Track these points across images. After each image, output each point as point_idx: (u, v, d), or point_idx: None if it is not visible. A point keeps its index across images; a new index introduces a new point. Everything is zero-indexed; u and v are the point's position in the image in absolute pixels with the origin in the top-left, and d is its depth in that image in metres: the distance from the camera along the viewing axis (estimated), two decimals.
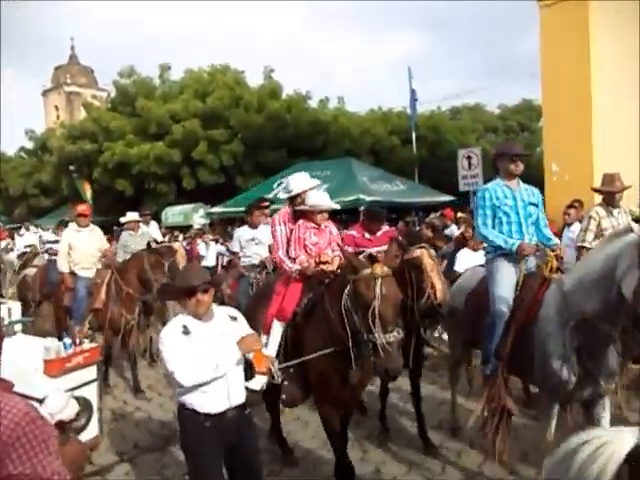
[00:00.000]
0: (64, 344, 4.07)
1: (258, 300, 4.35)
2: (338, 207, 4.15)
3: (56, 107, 55.34)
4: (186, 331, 2.63)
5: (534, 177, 11.64)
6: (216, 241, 12.49)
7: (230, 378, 2.64)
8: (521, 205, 3.68)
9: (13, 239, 13.83)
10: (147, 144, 20.68)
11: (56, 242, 8.86)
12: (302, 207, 3.90)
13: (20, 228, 12.80)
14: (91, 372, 4.16)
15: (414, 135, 19.56)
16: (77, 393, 3.89)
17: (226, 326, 2.76)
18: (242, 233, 6.36)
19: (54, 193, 25.96)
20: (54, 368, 3.86)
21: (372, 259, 3.15)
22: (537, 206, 3.79)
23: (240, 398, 2.72)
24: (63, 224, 9.74)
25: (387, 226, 5.56)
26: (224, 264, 10.95)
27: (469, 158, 10.67)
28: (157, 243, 7.22)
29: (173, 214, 19.53)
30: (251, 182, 19.50)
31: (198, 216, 17.63)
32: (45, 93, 57.49)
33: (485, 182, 12.63)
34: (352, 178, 14.25)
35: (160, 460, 4.34)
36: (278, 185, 15.61)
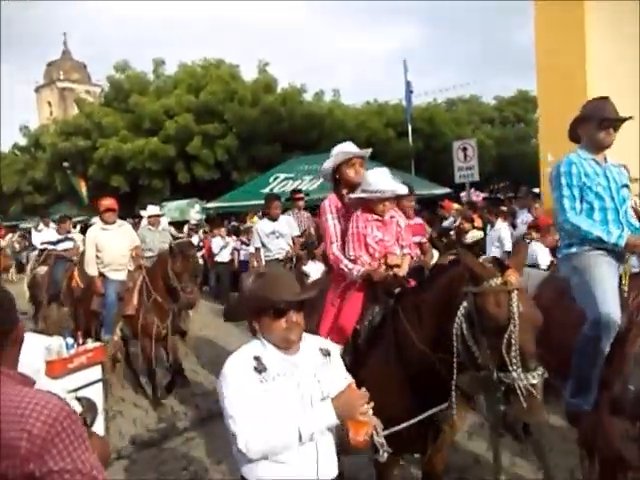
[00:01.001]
0: (66, 344, 4.00)
1: None
2: (405, 191, 3.20)
3: (49, 103, 55.03)
4: (260, 367, 1.83)
5: (530, 167, 11.71)
6: (229, 234, 11.85)
7: (320, 445, 1.87)
8: (614, 187, 2.88)
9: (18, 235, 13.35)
10: (141, 140, 20.58)
11: (57, 242, 8.33)
12: (359, 195, 2.91)
13: (39, 223, 11.63)
14: (96, 372, 4.09)
15: (410, 128, 19.51)
16: (81, 394, 3.86)
17: (317, 365, 1.95)
18: (262, 226, 6.01)
19: (48, 190, 25.83)
20: (56, 369, 3.77)
21: (498, 264, 2.21)
22: (629, 188, 3.01)
23: (332, 472, 1.95)
24: (65, 220, 9.06)
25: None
26: (240, 260, 10.45)
27: (464, 150, 10.64)
28: (174, 239, 6.84)
29: (169, 210, 19.43)
30: (246, 176, 19.43)
31: (194, 211, 17.56)
32: (38, 89, 57.14)
33: (480, 175, 12.71)
34: None
35: (158, 456, 4.32)
36: (274, 179, 15.57)
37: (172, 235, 7.18)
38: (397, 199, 3.30)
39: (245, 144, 20.42)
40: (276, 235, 5.84)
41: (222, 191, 17.63)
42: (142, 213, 7.27)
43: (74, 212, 20.96)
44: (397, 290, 2.74)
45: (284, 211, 7.58)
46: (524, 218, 7.88)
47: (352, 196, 2.98)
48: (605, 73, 8.49)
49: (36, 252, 10.18)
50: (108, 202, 5.95)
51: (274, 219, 6.00)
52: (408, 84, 19.67)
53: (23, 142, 29.10)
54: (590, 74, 8.58)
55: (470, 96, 29.86)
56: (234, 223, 14.95)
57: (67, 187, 23.05)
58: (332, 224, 3.04)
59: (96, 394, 4.05)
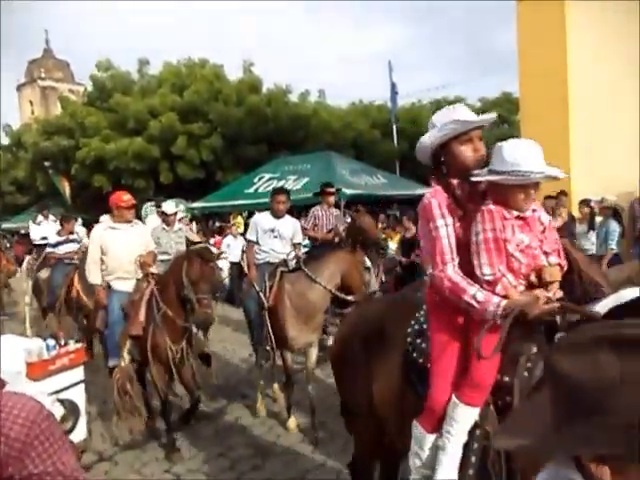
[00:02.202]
0: (47, 346, 3.97)
1: (381, 347, 2.39)
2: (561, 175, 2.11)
3: (31, 102, 54.26)
4: None
5: None
6: (213, 235, 11.32)
7: None
8: None
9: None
10: (125, 140, 20.39)
11: (57, 245, 7.50)
12: (494, 177, 1.97)
13: (37, 216, 10.61)
14: (77, 374, 4.07)
15: (395, 128, 19.59)
16: (63, 396, 3.82)
17: None
18: (261, 220, 5.18)
19: (29, 190, 25.47)
20: (37, 371, 3.76)
21: None
22: None
23: None
24: (69, 220, 8.04)
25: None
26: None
27: None
28: (192, 243, 6.00)
29: (152, 210, 19.29)
30: (231, 177, 19.36)
31: (180, 209, 17.48)
32: (19, 87, 56.33)
33: None
34: (332, 171, 14.22)
35: (140, 458, 4.29)
36: (259, 179, 15.53)
37: (188, 240, 6.20)
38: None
39: (230, 144, 20.34)
40: (275, 234, 5.05)
41: (207, 191, 17.55)
42: (162, 209, 6.40)
43: (56, 212, 20.71)
44: (560, 323, 1.85)
45: (309, 207, 7.08)
46: None
47: (480, 178, 2.04)
48: (586, 75, 8.62)
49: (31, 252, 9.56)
50: (128, 197, 4.75)
51: (277, 216, 5.14)
52: (393, 85, 19.76)
53: (5, 141, 28.69)
54: (571, 76, 8.70)
55: (455, 97, 30.07)
56: (218, 224, 14.87)
57: (49, 187, 22.74)
58: (445, 233, 2.01)
59: (78, 396, 4.01)
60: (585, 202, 7.64)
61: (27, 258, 9.39)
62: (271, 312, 4.65)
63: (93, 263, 4.75)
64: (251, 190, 15.29)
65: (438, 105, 29.05)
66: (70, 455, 1.19)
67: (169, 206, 6.53)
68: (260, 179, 15.49)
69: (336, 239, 6.08)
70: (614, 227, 6.90)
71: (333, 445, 4.29)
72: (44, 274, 7.57)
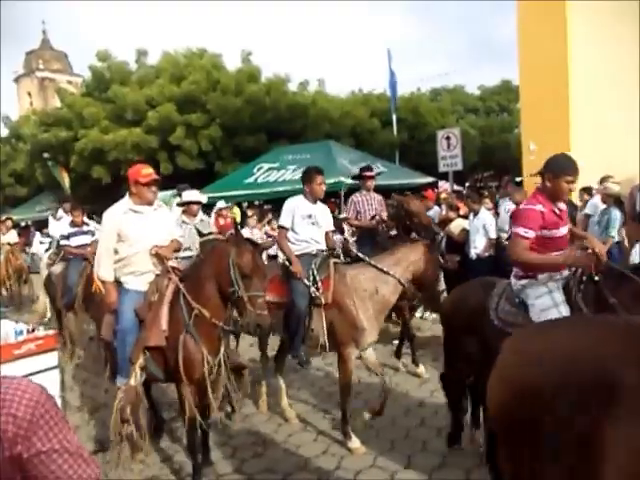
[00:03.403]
0: (15, 330, 4.04)
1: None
2: None
3: (29, 93, 54.03)
4: None
5: (514, 156, 11.80)
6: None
7: None
8: None
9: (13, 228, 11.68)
10: (123, 130, 20.30)
11: (69, 236, 6.91)
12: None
13: (57, 209, 10.00)
14: (51, 359, 4.12)
15: (394, 117, 19.50)
16: (35, 380, 3.83)
17: None
18: (298, 205, 4.51)
19: (29, 182, 25.42)
20: (1, 354, 3.81)
21: None
22: None
23: None
24: (77, 208, 7.27)
25: None
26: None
27: (448, 139, 10.67)
28: (202, 235, 5.54)
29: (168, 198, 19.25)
30: (230, 167, 19.31)
31: (177, 202, 17.47)
32: (17, 79, 56.05)
33: (464, 164, 12.75)
34: (332, 161, 14.19)
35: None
36: (258, 169, 15.49)
37: (198, 231, 5.52)
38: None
39: (229, 134, 20.26)
40: (312, 221, 4.48)
41: (206, 181, 17.52)
42: (182, 198, 5.61)
43: (56, 204, 20.69)
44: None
45: (349, 194, 6.43)
46: (506, 206, 7.93)
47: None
48: (586, 62, 8.56)
49: (51, 247, 8.87)
50: (148, 170, 3.86)
51: (315, 200, 4.54)
52: (392, 74, 19.63)
53: (4, 133, 28.59)
54: (571, 64, 8.65)
55: (454, 86, 29.97)
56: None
57: (48, 179, 22.69)
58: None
59: (52, 381, 4.04)
60: (586, 190, 7.62)
61: (46, 254, 8.92)
62: (328, 308, 4.14)
63: (105, 253, 3.80)
64: (250, 180, 15.26)
65: (437, 94, 29.00)
66: (73, 433, 1.24)
67: (188, 194, 5.63)
68: (259, 169, 15.46)
69: (380, 226, 5.73)
70: (616, 215, 6.88)
71: (334, 433, 4.32)
72: (57, 269, 7.01)
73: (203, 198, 5.94)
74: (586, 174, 8.06)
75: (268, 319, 3.48)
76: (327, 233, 4.67)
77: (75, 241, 6.88)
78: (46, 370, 4.05)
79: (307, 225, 4.46)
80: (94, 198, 18.54)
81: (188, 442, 3.71)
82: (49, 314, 8.55)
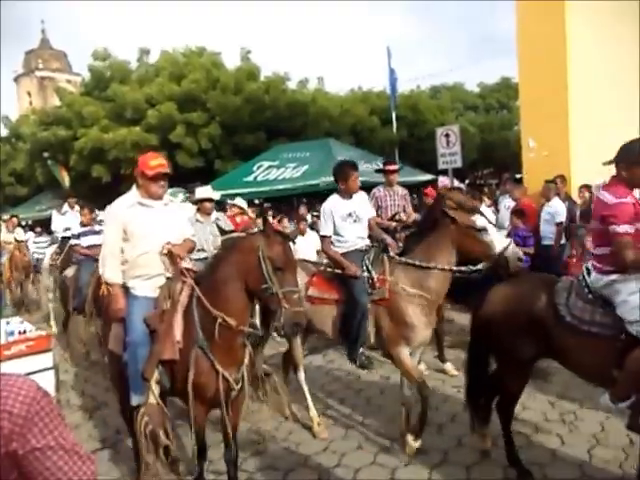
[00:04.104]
0: (5, 332, 4.02)
1: None
2: None
3: (28, 93, 54.03)
4: None
5: (513, 154, 11.80)
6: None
7: None
8: None
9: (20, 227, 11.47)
10: (123, 129, 20.30)
11: (79, 236, 6.70)
12: None
13: (62, 204, 9.64)
14: (46, 360, 4.10)
15: (394, 115, 19.48)
16: None
17: None
18: (335, 206, 4.27)
19: (29, 181, 25.42)
20: None
21: None
22: None
23: None
24: (85, 207, 7.02)
25: None
26: None
27: (447, 136, 10.65)
28: (225, 232, 5.21)
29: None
30: (230, 165, 19.30)
31: (178, 201, 17.46)
32: (17, 79, 56.02)
33: (464, 162, 12.72)
34: (332, 159, 14.14)
35: None
36: (258, 167, 15.48)
37: (222, 229, 5.27)
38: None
39: (229, 132, 20.26)
40: (353, 218, 4.26)
41: (205, 180, 17.52)
42: (196, 195, 5.26)
43: (56, 203, 20.68)
44: None
45: (370, 188, 5.99)
46: (506, 203, 7.94)
47: None
48: (585, 59, 8.55)
49: (53, 245, 8.69)
50: (157, 161, 3.41)
51: (350, 195, 4.33)
52: (392, 71, 19.58)
53: (4, 133, 28.55)
54: (570, 61, 8.64)
55: (454, 83, 29.92)
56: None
57: (48, 178, 22.68)
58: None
59: (47, 382, 4.03)
60: (586, 187, 7.63)
61: (49, 252, 8.82)
62: (379, 305, 3.94)
63: (111, 252, 3.38)
64: (250, 178, 15.26)
65: (437, 91, 28.95)
66: (69, 431, 1.24)
67: (205, 190, 5.27)
68: (259, 167, 15.45)
69: (398, 225, 5.31)
70: None
71: (335, 430, 4.33)
72: (70, 272, 6.77)
73: (216, 195, 5.60)
74: (586, 171, 8.12)
75: (305, 316, 3.21)
76: (370, 221, 4.41)
77: (86, 241, 6.68)
78: (40, 371, 4.03)
79: (349, 225, 4.25)
80: (94, 197, 18.51)
81: (198, 474, 3.30)
82: (52, 315, 8.51)
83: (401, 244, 4.49)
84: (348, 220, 4.25)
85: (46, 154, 22.25)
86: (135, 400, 3.24)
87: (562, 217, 7.01)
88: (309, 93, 22.59)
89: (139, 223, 3.36)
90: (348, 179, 4.27)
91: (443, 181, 11.51)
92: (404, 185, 6.74)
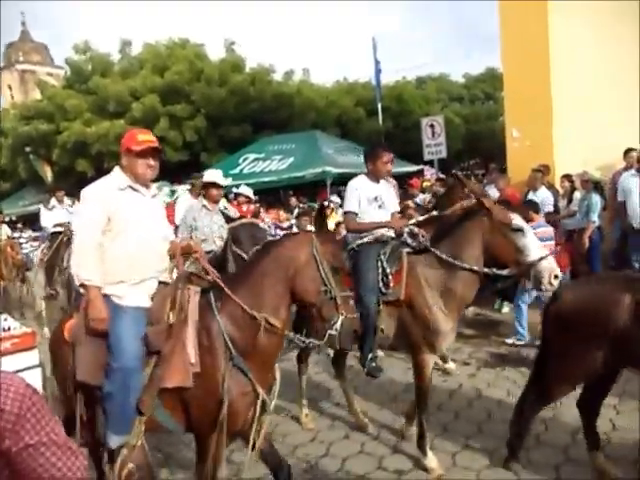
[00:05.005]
0: None
1: None
2: None
3: (9, 87, 53.02)
4: None
5: (499, 144, 11.85)
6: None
7: None
8: None
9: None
10: (106, 122, 20.08)
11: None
12: None
13: (49, 199, 8.99)
14: (32, 358, 4.05)
15: (379, 106, 19.47)
16: None
17: None
18: (362, 186, 3.95)
19: (11, 177, 25.04)
20: None
21: None
22: None
23: None
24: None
25: None
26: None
27: (432, 127, 10.69)
28: (232, 220, 4.78)
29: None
30: (215, 158, 19.18)
31: (163, 194, 17.31)
32: None
33: (450, 152, 12.74)
34: (317, 151, 14.17)
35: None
36: (243, 160, 15.41)
37: (228, 217, 4.89)
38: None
39: (214, 125, 20.12)
40: (379, 203, 3.90)
41: (191, 173, 17.39)
42: (203, 179, 4.77)
43: (39, 198, 20.41)
44: None
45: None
46: (492, 194, 7.98)
47: None
48: (568, 50, 8.60)
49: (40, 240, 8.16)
50: (146, 136, 2.86)
51: (378, 179, 4.00)
52: (377, 62, 19.55)
53: None
54: (553, 52, 8.67)
55: (439, 74, 29.92)
56: None
57: (31, 173, 22.38)
58: None
59: (32, 381, 3.99)
60: (567, 176, 7.70)
61: (41, 247, 8.50)
62: (398, 306, 3.57)
63: (90, 245, 2.65)
64: (236, 171, 15.18)
65: (422, 82, 28.95)
66: (60, 426, 1.24)
67: (214, 174, 4.68)
68: (245, 160, 15.38)
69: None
70: (596, 200, 6.97)
71: (322, 421, 4.35)
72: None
73: (225, 180, 4.88)
74: (568, 161, 8.19)
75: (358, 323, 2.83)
76: (393, 215, 4.04)
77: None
78: (26, 369, 3.98)
79: (374, 210, 3.85)
80: (78, 192, 18.29)
81: None
82: (44, 313, 8.20)
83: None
84: (373, 204, 3.85)
85: (28, 149, 21.94)
86: (115, 441, 2.60)
87: (550, 207, 7.06)
88: (294, 85, 22.49)
89: (130, 211, 2.73)
90: (377, 160, 3.95)
91: (428, 171, 11.57)
92: (391, 176, 6.66)
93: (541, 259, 3.25)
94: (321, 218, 2.98)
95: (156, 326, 2.62)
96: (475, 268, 3.37)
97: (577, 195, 7.46)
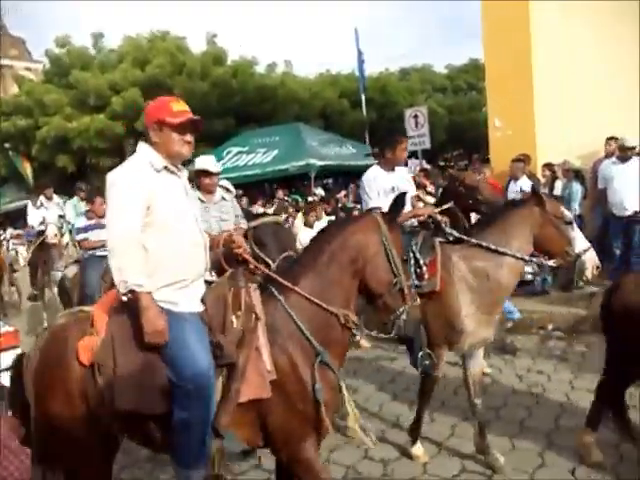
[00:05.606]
0: None
1: None
2: None
3: None
4: None
5: (483, 134, 11.94)
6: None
7: None
8: None
9: None
10: (87, 117, 19.79)
11: (87, 229, 5.69)
12: None
13: (36, 197, 8.71)
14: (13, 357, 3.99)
15: (363, 97, 19.44)
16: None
17: None
18: (376, 177, 3.80)
19: None
20: None
21: None
22: None
23: None
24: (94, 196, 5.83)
25: None
26: None
27: (415, 117, 10.69)
28: (252, 216, 4.29)
29: None
30: (199, 152, 18.88)
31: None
32: None
33: (433, 143, 12.76)
34: (301, 143, 14.11)
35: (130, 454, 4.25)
36: (227, 153, 15.31)
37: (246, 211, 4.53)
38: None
39: None
40: (396, 194, 3.96)
41: None
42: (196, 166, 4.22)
43: (21, 195, 20.08)
44: None
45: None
46: None
47: None
48: (550, 40, 8.65)
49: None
50: (182, 105, 2.43)
51: (393, 168, 3.88)
52: (360, 53, 19.49)
53: None
54: (534, 41, 8.72)
55: (422, 65, 29.94)
56: None
57: (11, 170, 22.01)
58: None
59: None
60: (548, 165, 7.76)
61: (32, 247, 8.23)
62: (427, 297, 3.29)
63: (132, 242, 2.16)
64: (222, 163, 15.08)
65: (406, 73, 28.97)
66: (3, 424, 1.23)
67: (207, 160, 4.11)
68: (228, 153, 15.27)
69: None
70: (576, 189, 7.04)
71: None
72: (70, 271, 5.87)
73: (216, 167, 4.22)
74: (550, 150, 8.25)
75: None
76: (413, 199, 3.85)
77: (94, 235, 5.65)
78: (9, 369, 3.92)
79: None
80: (58, 189, 18.04)
81: None
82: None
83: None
84: (390, 196, 3.52)
85: (7, 145, 21.58)
86: (196, 476, 2.22)
87: None
88: (277, 77, 22.38)
89: (171, 199, 2.28)
90: (397, 147, 3.79)
91: (413, 163, 11.59)
92: None
93: (586, 251, 3.30)
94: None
95: (228, 334, 2.23)
96: (526, 257, 3.31)
97: (558, 184, 7.52)
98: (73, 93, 20.80)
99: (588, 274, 3.34)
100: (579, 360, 4.97)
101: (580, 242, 3.32)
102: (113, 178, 2.24)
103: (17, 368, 2.44)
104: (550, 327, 5.85)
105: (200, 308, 2.30)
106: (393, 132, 4.01)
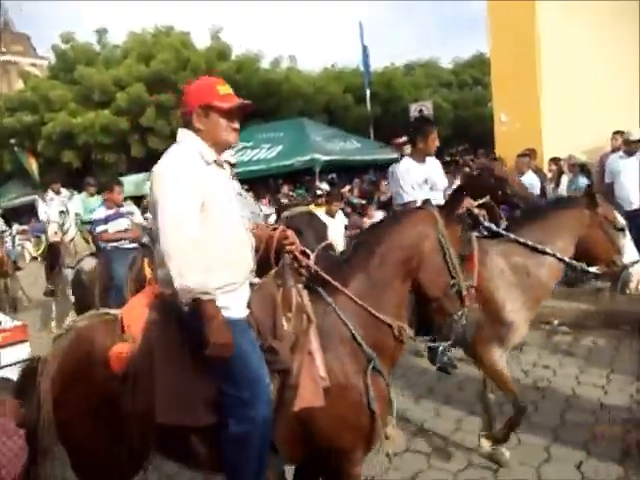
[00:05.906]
0: None
1: None
2: None
3: None
4: None
5: (488, 129, 11.89)
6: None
7: None
8: None
9: None
10: (92, 113, 19.82)
11: (107, 220, 5.55)
12: None
13: (47, 191, 8.58)
14: (22, 352, 4.01)
15: (368, 92, 19.39)
16: (8, 372, 3.74)
17: None
18: (408, 170, 3.66)
19: None
20: None
21: None
22: None
23: None
24: (112, 187, 5.72)
25: None
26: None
27: (420, 112, 10.67)
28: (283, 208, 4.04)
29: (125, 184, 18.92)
30: None
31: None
32: None
33: (439, 138, 12.68)
34: (306, 138, 14.10)
35: None
36: (231, 149, 15.32)
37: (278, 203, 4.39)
38: None
39: None
40: (429, 186, 3.61)
41: None
42: None
43: (26, 191, 20.15)
44: None
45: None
46: None
47: None
48: (555, 35, 8.61)
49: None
50: (227, 88, 2.21)
51: (424, 159, 3.72)
52: (365, 48, 19.43)
53: None
54: (541, 36, 8.68)
55: (428, 60, 29.79)
56: None
57: (16, 165, 22.08)
58: None
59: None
60: (554, 160, 7.73)
61: (44, 243, 8.30)
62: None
63: (189, 242, 1.90)
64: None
65: (411, 68, 28.83)
66: None
67: (226, 152, 3.71)
68: (233, 148, 15.30)
69: None
70: (582, 182, 7.01)
71: None
72: (87, 264, 5.51)
73: (232, 159, 4.09)
74: (556, 144, 8.22)
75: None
76: (444, 192, 3.71)
77: (113, 226, 5.50)
78: (17, 363, 3.95)
79: (423, 192, 3.50)
80: (64, 184, 18.13)
81: None
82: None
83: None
84: (424, 188, 3.48)
85: (13, 141, 21.63)
86: None
87: (536, 191, 7.10)
88: (282, 72, 22.32)
89: (222, 194, 2.09)
90: (428, 137, 3.66)
91: None
92: (380, 163, 6.73)
93: (634, 263, 3.09)
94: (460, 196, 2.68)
95: (281, 337, 2.07)
96: (566, 259, 3.10)
97: (565, 179, 7.49)
98: (78, 89, 20.83)
99: (632, 287, 3.11)
100: (585, 355, 4.96)
101: (631, 252, 3.12)
102: (161, 174, 1.98)
103: (30, 372, 2.20)
104: (556, 322, 5.83)
105: (244, 313, 2.10)
106: (422, 122, 3.82)
